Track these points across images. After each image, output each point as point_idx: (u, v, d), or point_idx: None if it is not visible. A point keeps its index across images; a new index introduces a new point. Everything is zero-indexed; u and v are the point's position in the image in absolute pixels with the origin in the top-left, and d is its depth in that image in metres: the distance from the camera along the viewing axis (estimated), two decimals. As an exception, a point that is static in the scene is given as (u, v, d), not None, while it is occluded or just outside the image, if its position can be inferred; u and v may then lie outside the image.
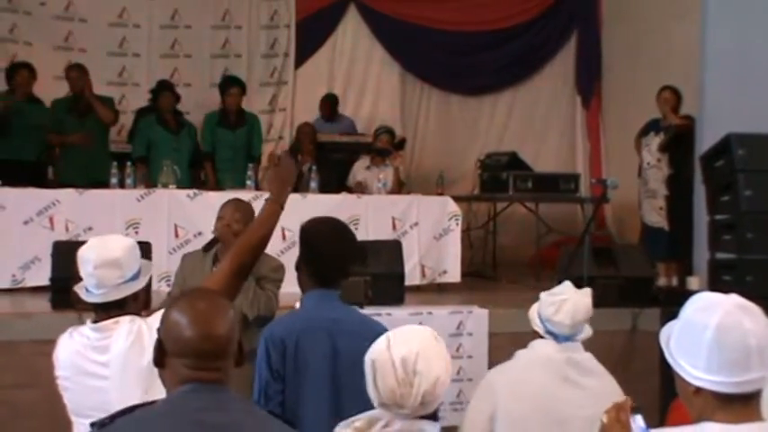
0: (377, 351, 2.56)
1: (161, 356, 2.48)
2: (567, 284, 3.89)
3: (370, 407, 3.44)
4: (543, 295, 3.86)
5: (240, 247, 3.37)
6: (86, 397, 3.37)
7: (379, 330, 3.54)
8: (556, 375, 3.71)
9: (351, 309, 3.73)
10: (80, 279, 3.47)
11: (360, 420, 2.63)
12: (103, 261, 3.36)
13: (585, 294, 3.83)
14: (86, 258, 3.39)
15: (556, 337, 3.78)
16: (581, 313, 3.77)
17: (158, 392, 3.15)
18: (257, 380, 3.52)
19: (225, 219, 4.97)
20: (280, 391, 3.47)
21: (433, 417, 2.64)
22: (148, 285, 3.63)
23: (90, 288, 3.40)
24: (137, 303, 3.50)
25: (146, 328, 3.37)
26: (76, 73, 9.40)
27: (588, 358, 3.83)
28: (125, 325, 3.39)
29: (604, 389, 3.72)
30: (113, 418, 2.46)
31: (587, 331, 3.87)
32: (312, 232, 3.68)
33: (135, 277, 3.45)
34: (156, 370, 2.97)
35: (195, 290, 2.78)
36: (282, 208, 3.45)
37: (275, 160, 3.80)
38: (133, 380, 3.33)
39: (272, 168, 3.83)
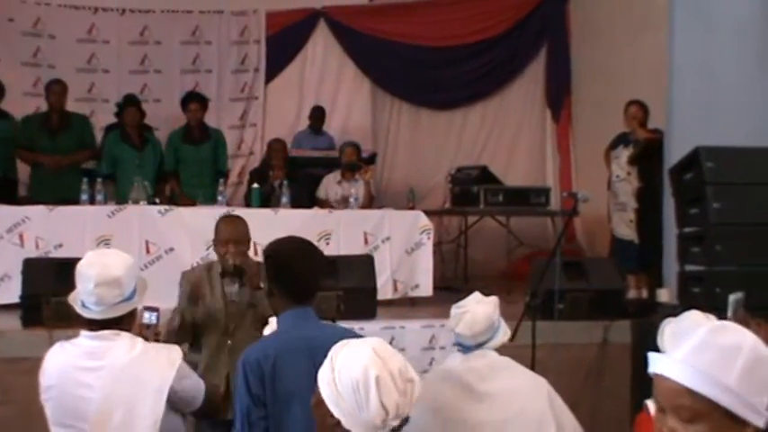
0: (374, 367, 2.48)
1: None
2: (473, 295, 3.94)
3: None
4: (452, 308, 3.91)
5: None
6: (69, 405, 3.37)
7: None
8: (456, 386, 3.76)
9: (328, 324, 3.70)
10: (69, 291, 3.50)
11: None
12: (105, 280, 3.37)
13: (487, 303, 3.86)
14: (87, 275, 3.39)
15: (463, 348, 3.83)
16: (480, 324, 3.80)
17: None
18: (238, 407, 3.43)
19: (231, 245, 4.90)
20: (263, 417, 3.37)
21: None
22: None
23: (88, 304, 3.40)
24: (131, 319, 3.54)
25: (168, 357, 3.47)
26: (60, 87, 9.32)
27: (492, 363, 3.85)
28: (126, 340, 3.43)
29: (514, 388, 3.76)
30: None
31: (500, 337, 3.89)
32: (280, 253, 3.64)
33: (132, 296, 3.47)
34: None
35: None
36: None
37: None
38: (121, 396, 3.32)
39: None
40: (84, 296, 3.41)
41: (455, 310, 3.87)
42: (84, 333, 3.45)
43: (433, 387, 3.71)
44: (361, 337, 3.71)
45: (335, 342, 3.49)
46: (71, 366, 3.39)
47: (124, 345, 3.41)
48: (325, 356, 3.44)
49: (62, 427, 3.39)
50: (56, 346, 3.50)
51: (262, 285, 4.77)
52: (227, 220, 5.17)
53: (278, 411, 3.40)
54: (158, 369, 3.40)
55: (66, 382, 3.38)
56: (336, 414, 2.50)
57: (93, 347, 3.40)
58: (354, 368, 2.49)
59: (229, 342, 4.90)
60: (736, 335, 1.94)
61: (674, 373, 1.92)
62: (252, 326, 4.82)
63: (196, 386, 3.57)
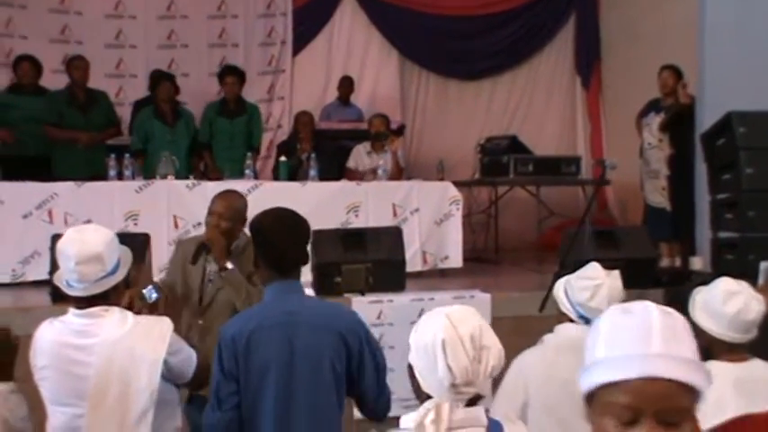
0: (443, 331, 2.53)
1: None
2: (597, 267, 3.77)
3: (325, 399, 3.44)
4: (573, 279, 3.76)
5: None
6: (66, 384, 3.38)
7: (339, 320, 3.53)
8: (577, 357, 3.63)
9: (311, 299, 3.68)
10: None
11: (425, 411, 2.55)
12: (85, 256, 3.36)
13: (617, 277, 3.74)
14: (67, 254, 3.39)
15: (587, 322, 3.69)
16: (616, 298, 3.68)
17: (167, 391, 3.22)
18: (212, 381, 3.47)
19: (214, 217, 4.88)
20: (234, 392, 3.40)
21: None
22: (127, 275, 3.61)
23: (71, 282, 3.41)
24: (117, 293, 3.53)
25: (159, 330, 3.45)
26: (84, 63, 9.29)
27: None
28: (116, 314, 3.43)
29: None
30: None
31: None
32: (263, 224, 3.64)
33: (115, 270, 3.46)
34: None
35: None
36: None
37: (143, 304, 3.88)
38: (117, 371, 3.32)
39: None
40: (67, 274, 3.41)
41: (584, 281, 3.70)
42: (72, 311, 3.45)
43: (558, 357, 3.61)
44: (344, 313, 3.72)
45: (315, 319, 3.48)
46: (63, 345, 3.38)
47: (114, 320, 3.41)
48: (301, 332, 3.44)
49: (60, 405, 3.38)
50: (44, 324, 3.49)
51: (228, 266, 4.76)
52: (221, 193, 5.08)
53: (252, 385, 3.42)
54: (151, 342, 3.40)
55: (61, 360, 3.37)
56: (417, 375, 2.59)
57: (84, 325, 3.39)
58: (427, 332, 2.57)
59: (200, 321, 4.82)
60: (671, 311, 1.73)
61: (668, 371, 1.62)
62: (224, 306, 4.74)
63: (188, 358, 3.55)
